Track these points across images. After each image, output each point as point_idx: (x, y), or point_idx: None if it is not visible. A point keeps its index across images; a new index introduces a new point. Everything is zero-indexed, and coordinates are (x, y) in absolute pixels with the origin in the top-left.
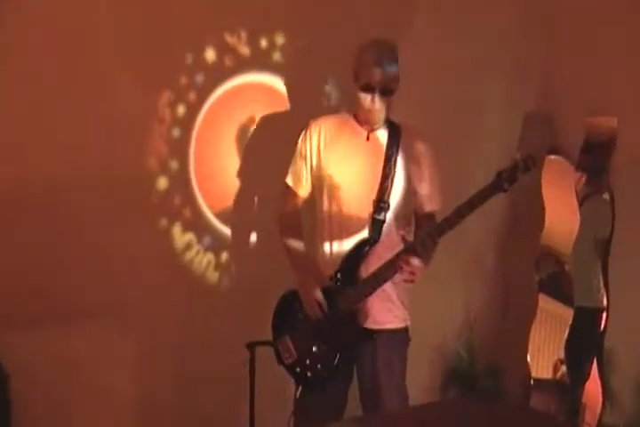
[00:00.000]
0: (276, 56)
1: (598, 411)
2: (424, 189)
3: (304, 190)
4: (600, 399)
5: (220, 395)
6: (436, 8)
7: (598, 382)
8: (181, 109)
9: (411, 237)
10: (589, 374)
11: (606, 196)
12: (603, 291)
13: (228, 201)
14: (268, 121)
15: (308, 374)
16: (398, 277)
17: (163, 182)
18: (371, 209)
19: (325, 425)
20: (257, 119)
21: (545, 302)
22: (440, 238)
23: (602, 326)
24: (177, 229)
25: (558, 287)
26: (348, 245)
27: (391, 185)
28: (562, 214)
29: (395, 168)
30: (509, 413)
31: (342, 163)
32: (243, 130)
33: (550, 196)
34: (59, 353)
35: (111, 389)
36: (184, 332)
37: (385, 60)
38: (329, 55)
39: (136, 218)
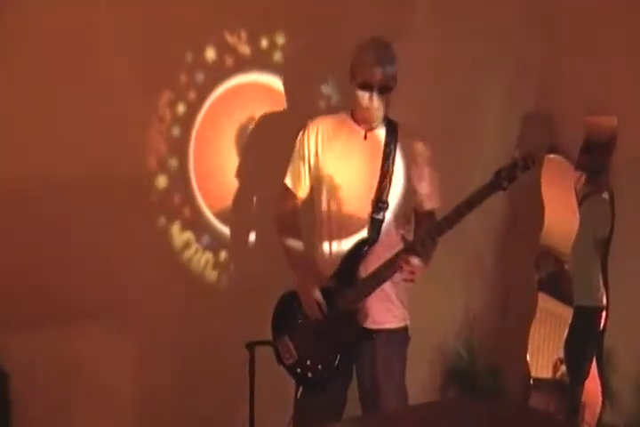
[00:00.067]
0: (276, 56)
1: (598, 410)
2: (424, 187)
3: (303, 191)
4: (600, 399)
5: (220, 395)
6: (436, 8)
7: (598, 382)
8: (181, 108)
9: (410, 237)
10: (589, 374)
11: (606, 195)
12: (602, 290)
13: (227, 200)
14: (267, 120)
15: (309, 374)
16: (398, 276)
17: (162, 181)
18: (369, 209)
19: (325, 425)
20: (257, 119)
21: (544, 302)
22: (440, 237)
23: (601, 326)
24: (176, 228)
25: (558, 287)
26: (347, 244)
27: (390, 184)
28: (561, 214)
29: (393, 167)
30: (509, 412)
31: (340, 162)
32: (242, 129)
33: (550, 195)
34: (59, 353)
35: (111, 389)
36: (184, 332)
37: (384, 59)
38: (329, 55)
39: (136, 217)
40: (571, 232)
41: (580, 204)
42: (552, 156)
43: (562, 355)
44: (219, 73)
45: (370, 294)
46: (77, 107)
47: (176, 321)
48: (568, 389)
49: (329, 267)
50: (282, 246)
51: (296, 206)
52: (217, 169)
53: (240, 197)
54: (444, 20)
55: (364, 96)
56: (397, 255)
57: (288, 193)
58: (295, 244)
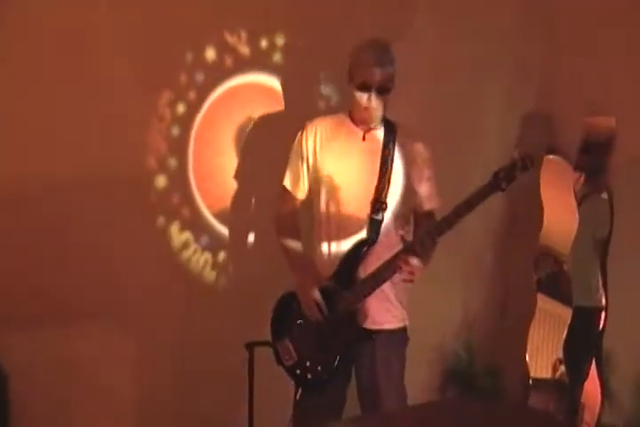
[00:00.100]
0: (276, 56)
1: (597, 410)
2: (423, 188)
3: (302, 192)
4: (599, 399)
5: (220, 395)
6: (436, 8)
7: (597, 382)
8: (181, 108)
9: (410, 237)
10: (588, 374)
11: (605, 195)
12: (601, 290)
13: (226, 200)
14: (267, 121)
15: (309, 376)
16: (397, 276)
17: (162, 181)
18: (368, 209)
19: (325, 426)
20: (256, 119)
21: (543, 302)
22: (439, 238)
23: (600, 326)
24: (175, 228)
25: (557, 287)
26: (346, 245)
27: (388, 185)
28: (560, 214)
29: (392, 168)
30: (508, 412)
31: (339, 163)
32: (242, 130)
33: (549, 195)
34: (59, 353)
35: (111, 389)
36: (183, 332)
37: (383, 61)
38: (328, 55)
39: (136, 217)
40: (570, 232)
41: (578, 204)
42: (551, 156)
43: (561, 355)
44: (218, 73)
45: (369, 294)
46: (77, 107)
47: (176, 321)
48: (567, 389)
49: (328, 268)
50: (280, 247)
51: (295, 207)
52: (216, 169)
53: (239, 197)
54: (444, 20)
55: (362, 97)
56: (397, 256)
57: (286, 194)
58: (294, 244)
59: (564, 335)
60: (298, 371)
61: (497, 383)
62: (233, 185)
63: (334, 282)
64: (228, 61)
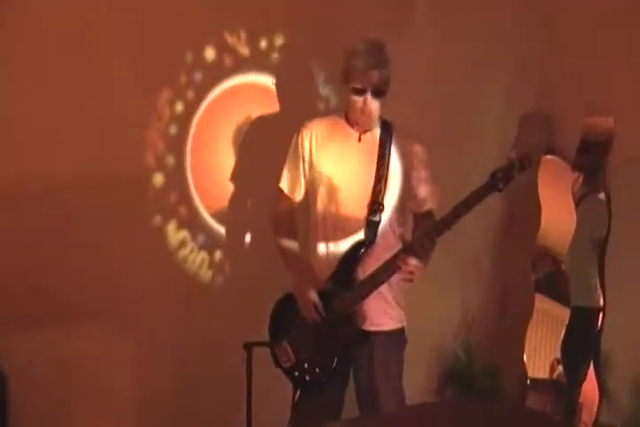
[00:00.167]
0: (275, 57)
1: (595, 411)
2: (422, 189)
3: (298, 194)
4: (597, 399)
5: (219, 395)
6: (436, 8)
7: (595, 382)
8: (180, 108)
9: (409, 237)
10: (586, 374)
11: (602, 196)
12: (599, 291)
13: (223, 200)
14: (265, 121)
15: (307, 377)
16: (396, 277)
17: (159, 180)
18: (365, 211)
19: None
20: (254, 119)
21: (541, 302)
22: (438, 238)
23: (598, 326)
24: (171, 227)
25: (555, 287)
26: (343, 246)
27: (385, 186)
28: (558, 214)
29: (388, 168)
30: (506, 413)
31: (335, 165)
32: (240, 130)
33: (547, 196)
34: (59, 353)
35: (111, 389)
36: (182, 332)
37: (377, 63)
38: (328, 56)
39: (135, 217)
40: (568, 233)
41: (576, 204)
42: (549, 156)
43: (559, 355)
44: (217, 73)
45: (367, 296)
46: (77, 107)
47: (175, 321)
48: (565, 389)
49: (325, 269)
50: (278, 247)
51: (292, 207)
52: (214, 169)
53: (236, 196)
54: (444, 20)
55: (357, 100)
56: (396, 256)
57: (283, 197)
58: (291, 244)
59: (562, 336)
60: (296, 373)
61: (495, 384)
62: (230, 184)
63: (332, 283)
64: (228, 61)
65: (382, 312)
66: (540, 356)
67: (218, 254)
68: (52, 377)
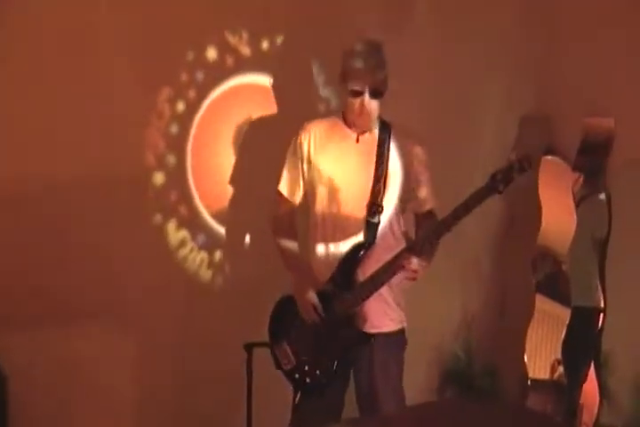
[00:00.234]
0: (276, 57)
1: (595, 411)
2: (422, 191)
3: (298, 197)
4: (597, 400)
5: (219, 395)
6: (436, 8)
7: (595, 383)
8: (180, 107)
9: (412, 235)
10: (587, 375)
11: (603, 196)
12: (600, 291)
13: (224, 199)
14: (266, 121)
15: (307, 380)
16: (397, 277)
17: (160, 179)
18: (365, 212)
19: None
20: (255, 120)
21: (542, 303)
22: (439, 240)
23: (599, 327)
24: (171, 226)
25: (555, 288)
26: (343, 248)
27: (384, 186)
28: (559, 215)
29: (387, 169)
30: (506, 413)
31: (334, 166)
32: (240, 130)
33: (547, 196)
34: (59, 353)
35: (111, 389)
36: (182, 332)
37: (374, 65)
38: (328, 56)
39: (135, 216)
40: (568, 233)
41: (577, 205)
42: (549, 157)
43: (559, 356)
44: (218, 73)
45: (368, 297)
46: (77, 107)
47: (175, 321)
48: (566, 390)
49: (324, 271)
50: (277, 248)
51: (292, 209)
52: (214, 168)
53: (236, 196)
54: (444, 20)
55: (355, 102)
56: (397, 256)
57: (283, 200)
58: (291, 245)
59: (563, 336)
60: (296, 375)
61: (495, 384)
62: (231, 184)
63: (332, 285)
64: (229, 61)
65: (382, 314)
66: (541, 356)
67: (218, 254)
68: (52, 377)
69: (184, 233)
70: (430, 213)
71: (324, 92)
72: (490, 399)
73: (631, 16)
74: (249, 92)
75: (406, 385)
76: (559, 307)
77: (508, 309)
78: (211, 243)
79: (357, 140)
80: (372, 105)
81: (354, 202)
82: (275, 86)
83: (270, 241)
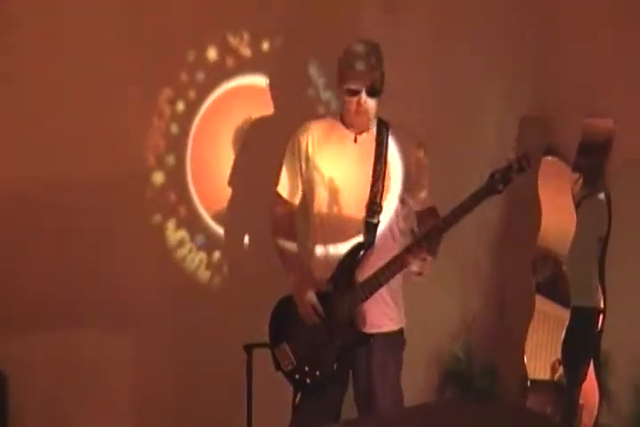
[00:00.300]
0: (276, 58)
1: (595, 412)
2: (422, 192)
3: (297, 198)
4: (597, 400)
5: (220, 396)
6: (435, 8)
7: (595, 383)
8: (180, 107)
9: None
10: (586, 375)
11: (602, 197)
12: (600, 291)
13: (223, 200)
14: (266, 122)
15: (307, 380)
16: (397, 278)
17: (159, 179)
18: (364, 212)
19: None
20: (255, 120)
21: (542, 303)
22: (439, 239)
23: (599, 327)
24: (170, 226)
25: (555, 288)
26: (342, 248)
27: (383, 187)
28: (558, 215)
29: (385, 169)
30: (506, 414)
31: (332, 167)
32: (240, 131)
33: (547, 197)
34: (58, 353)
35: (111, 389)
36: (182, 332)
37: (371, 65)
38: (328, 57)
39: (135, 216)
40: (568, 234)
41: (577, 205)
42: (549, 157)
43: (559, 356)
44: (218, 74)
45: (368, 298)
46: (77, 107)
47: (175, 321)
48: (565, 390)
49: (324, 271)
50: (276, 249)
51: (291, 209)
52: (214, 169)
53: (236, 197)
54: (444, 20)
55: (352, 101)
56: (398, 257)
57: (282, 201)
58: (290, 246)
59: (563, 336)
60: (297, 376)
61: (495, 385)
62: (230, 185)
63: (331, 286)
64: (229, 62)
65: (382, 313)
66: (541, 357)
67: (216, 255)
68: (52, 377)
69: (183, 233)
70: (432, 211)
71: (325, 95)
72: (490, 400)
73: (631, 16)
74: (249, 93)
75: (406, 385)
76: (559, 308)
77: (508, 309)
78: (210, 243)
79: (355, 141)
80: (370, 104)
81: (353, 202)
82: (275, 87)
83: (269, 242)
